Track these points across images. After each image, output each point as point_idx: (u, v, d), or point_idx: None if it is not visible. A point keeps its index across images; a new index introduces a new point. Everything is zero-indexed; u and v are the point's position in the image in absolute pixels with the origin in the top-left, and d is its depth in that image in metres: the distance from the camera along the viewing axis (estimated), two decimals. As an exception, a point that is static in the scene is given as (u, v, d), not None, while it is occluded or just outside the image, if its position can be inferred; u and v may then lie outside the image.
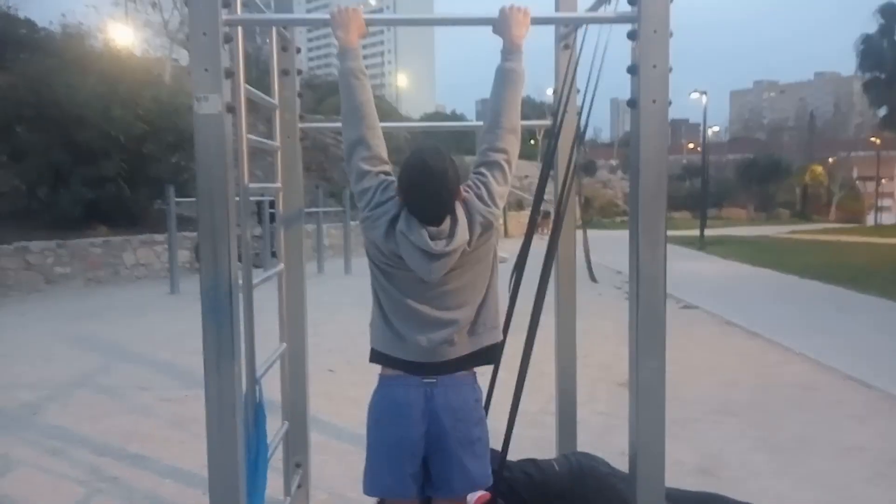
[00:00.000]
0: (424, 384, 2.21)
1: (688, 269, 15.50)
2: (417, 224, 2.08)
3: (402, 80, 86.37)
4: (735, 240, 26.48)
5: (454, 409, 2.22)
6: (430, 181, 2.07)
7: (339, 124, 3.38)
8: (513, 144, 2.23)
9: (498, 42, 2.26)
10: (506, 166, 2.21)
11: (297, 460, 3.41)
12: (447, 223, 2.09)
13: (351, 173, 2.25)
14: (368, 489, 2.32)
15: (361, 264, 14.42)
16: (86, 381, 6.24)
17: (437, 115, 56.89)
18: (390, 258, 2.16)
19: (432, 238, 2.06)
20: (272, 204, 12.17)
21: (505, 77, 2.23)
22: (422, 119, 41.07)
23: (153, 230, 14.05)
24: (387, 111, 32.52)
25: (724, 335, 8.63)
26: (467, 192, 2.17)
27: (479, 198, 2.16)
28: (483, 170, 2.21)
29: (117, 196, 13.66)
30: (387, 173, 2.22)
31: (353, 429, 4.85)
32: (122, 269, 13.34)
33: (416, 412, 2.20)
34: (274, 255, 11.32)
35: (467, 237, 2.11)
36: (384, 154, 2.24)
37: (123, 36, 23.09)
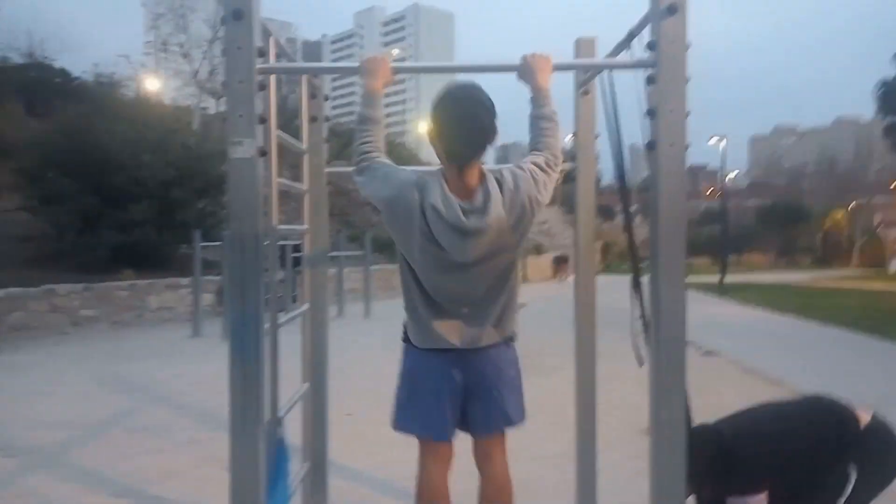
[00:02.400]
0: (459, 354, 2.31)
1: (708, 314, 15.35)
2: (449, 193, 2.08)
3: (423, 128, 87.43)
4: (756, 286, 26.19)
5: (491, 359, 2.34)
6: (469, 103, 2.09)
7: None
8: (557, 164, 2.29)
9: (518, 89, 2.35)
10: (552, 176, 2.25)
11: (316, 502, 3.42)
12: (480, 197, 2.09)
13: (359, 176, 2.28)
14: (401, 425, 2.41)
15: (382, 308, 14.51)
16: (113, 421, 6.29)
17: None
18: (422, 242, 2.14)
19: (465, 213, 2.06)
20: (296, 248, 12.35)
21: (541, 121, 2.31)
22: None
23: (178, 274, 14.25)
24: (407, 157, 32.95)
25: (744, 381, 8.50)
26: (520, 169, 2.18)
27: (534, 177, 2.17)
28: (535, 162, 2.24)
29: (144, 240, 13.92)
30: (392, 164, 2.27)
31: (372, 473, 4.84)
32: (147, 312, 13.50)
33: (452, 365, 2.31)
34: (294, 299, 11.44)
35: (503, 213, 2.09)
36: (386, 160, 2.29)
37: (154, 85, 23.78)
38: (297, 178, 3.28)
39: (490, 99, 2.16)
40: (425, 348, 2.33)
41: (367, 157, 2.27)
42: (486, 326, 2.29)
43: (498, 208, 2.08)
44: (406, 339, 2.43)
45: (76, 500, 4.35)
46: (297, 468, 3.06)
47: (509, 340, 2.43)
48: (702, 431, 2.65)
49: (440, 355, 2.32)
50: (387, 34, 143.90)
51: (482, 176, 2.14)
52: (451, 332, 2.26)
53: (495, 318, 2.31)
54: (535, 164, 2.24)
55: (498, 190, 2.11)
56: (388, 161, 2.27)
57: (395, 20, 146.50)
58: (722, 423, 2.80)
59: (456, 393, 2.31)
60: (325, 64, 2.98)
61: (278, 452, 2.43)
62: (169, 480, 4.67)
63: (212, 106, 28.80)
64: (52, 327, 11.85)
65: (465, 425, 2.40)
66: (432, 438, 2.38)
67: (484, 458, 2.45)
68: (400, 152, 36.53)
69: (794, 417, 2.78)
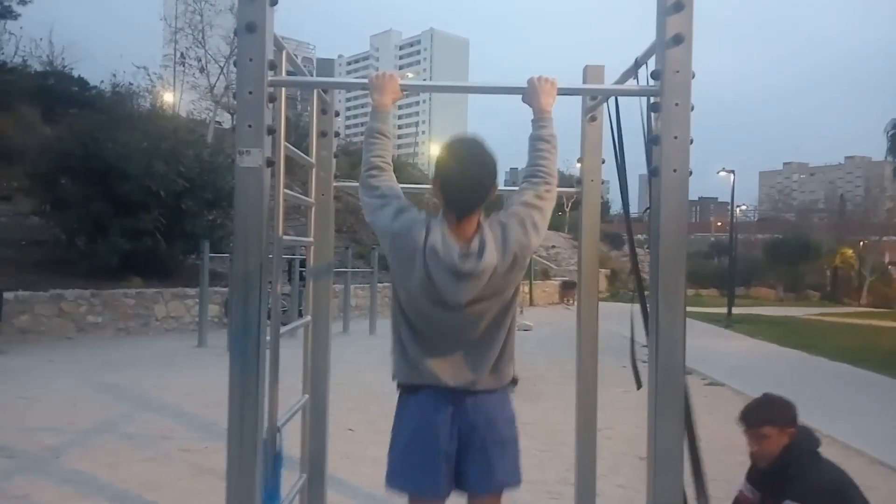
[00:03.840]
0: (454, 399, 2.26)
1: (714, 346, 15.25)
2: (449, 237, 2.11)
3: (434, 150, 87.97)
4: (763, 319, 26.02)
5: (486, 410, 2.27)
6: (470, 162, 2.14)
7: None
8: (551, 191, 2.30)
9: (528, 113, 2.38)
10: (545, 206, 2.26)
11: (312, 515, 3.41)
12: (476, 243, 2.12)
13: (367, 195, 2.28)
14: (394, 483, 2.35)
15: (386, 326, 14.40)
16: (109, 428, 6.30)
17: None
18: (419, 282, 2.16)
19: (461, 257, 2.10)
20: (302, 263, 12.37)
21: (538, 142, 2.33)
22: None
23: (185, 284, 14.32)
24: (419, 178, 33.09)
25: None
26: (510, 218, 2.20)
27: (522, 224, 2.19)
28: (526, 202, 2.25)
29: (153, 249, 13.98)
30: (403, 200, 2.26)
31: (370, 489, 4.81)
32: (153, 320, 13.54)
33: (446, 416, 2.25)
34: (301, 314, 11.44)
35: (495, 259, 2.13)
36: (397, 187, 2.30)
37: (170, 97, 24.05)
38: (307, 194, 3.31)
39: (492, 156, 2.20)
40: (416, 384, 2.28)
41: (377, 177, 2.28)
42: (481, 371, 2.25)
43: (492, 255, 2.13)
44: (398, 385, 2.38)
45: (70, 505, 4.35)
46: (294, 479, 3.06)
47: (508, 388, 2.37)
48: (805, 428, 2.92)
49: (432, 398, 2.26)
50: (401, 57, 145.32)
51: (479, 226, 2.19)
52: (443, 371, 2.23)
53: (491, 362, 2.27)
54: (524, 203, 2.25)
55: (492, 238, 2.15)
56: (397, 188, 2.29)
57: (411, 44, 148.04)
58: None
59: (451, 446, 2.25)
60: (333, 79, 3.03)
61: (274, 461, 2.43)
62: (160, 489, 4.66)
63: (226, 121, 29.08)
64: (57, 332, 11.90)
65: (458, 481, 2.32)
66: (425, 497, 2.32)
67: None
68: (412, 173, 36.66)
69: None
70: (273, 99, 2.28)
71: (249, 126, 2.20)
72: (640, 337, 2.56)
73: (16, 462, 5.18)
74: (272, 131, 2.27)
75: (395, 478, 2.34)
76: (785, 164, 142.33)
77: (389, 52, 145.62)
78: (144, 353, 11.07)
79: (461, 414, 2.25)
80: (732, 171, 29.35)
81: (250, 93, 2.20)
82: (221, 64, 27.11)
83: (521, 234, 2.19)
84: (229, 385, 2.22)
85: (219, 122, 28.13)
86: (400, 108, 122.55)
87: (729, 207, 30.93)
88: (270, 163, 2.25)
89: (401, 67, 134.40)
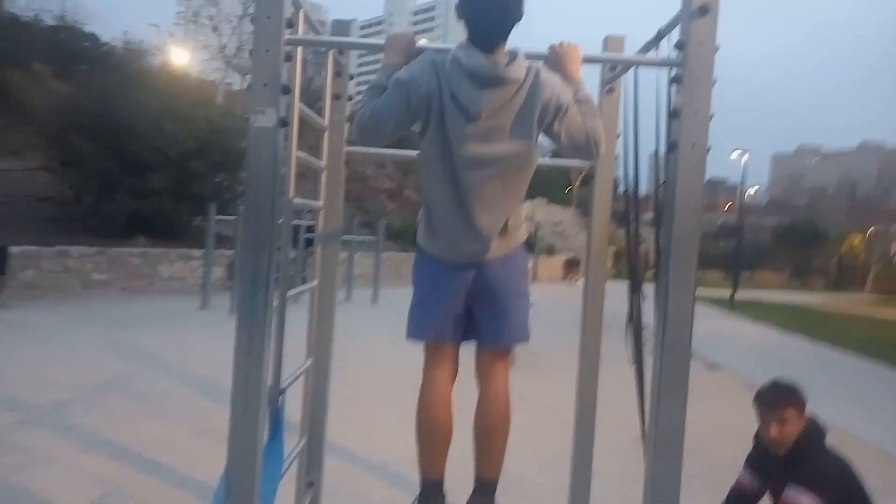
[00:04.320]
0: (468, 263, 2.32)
1: (716, 328, 15.26)
2: (473, 48, 2.08)
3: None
4: (767, 304, 26.02)
5: (500, 266, 2.32)
6: None
7: (383, 150, 3.49)
8: (599, 139, 2.24)
9: None
10: (570, 120, 2.21)
11: (310, 479, 3.42)
12: (505, 57, 2.09)
13: (365, 108, 2.21)
14: (413, 332, 2.42)
15: (390, 295, 14.47)
16: (113, 386, 6.36)
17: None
18: (438, 119, 2.14)
19: (488, 62, 2.06)
20: (309, 229, 12.34)
21: (578, 104, 2.24)
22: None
23: (190, 245, 14.34)
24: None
25: (750, 397, 8.46)
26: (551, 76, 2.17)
27: (561, 84, 2.18)
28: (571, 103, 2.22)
29: (160, 209, 14.00)
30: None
31: (369, 456, 4.86)
32: (157, 280, 13.60)
33: (461, 271, 2.31)
34: (305, 280, 11.45)
35: (522, 74, 2.08)
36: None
37: (181, 56, 23.87)
38: (315, 158, 3.28)
39: None
40: (436, 255, 2.34)
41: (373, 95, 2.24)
42: (493, 235, 2.26)
43: (520, 68, 2.08)
44: (417, 243, 2.44)
45: (71, 459, 4.40)
46: (293, 443, 3.07)
47: (521, 247, 2.40)
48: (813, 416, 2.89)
49: (449, 261, 2.32)
50: (416, 23, 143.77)
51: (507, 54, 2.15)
52: (460, 239, 2.26)
53: (502, 225, 2.28)
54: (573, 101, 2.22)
55: (523, 66, 2.11)
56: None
57: (426, 10, 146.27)
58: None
59: (463, 298, 2.32)
60: (350, 39, 2.96)
61: (276, 422, 2.44)
62: (164, 447, 4.71)
63: (236, 82, 28.90)
64: (63, 288, 11.96)
65: (470, 334, 2.41)
66: (440, 341, 2.39)
67: (485, 373, 2.42)
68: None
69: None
70: (289, 58, 2.24)
71: (265, 85, 2.16)
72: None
73: (21, 415, 5.24)
74: (287, 91, 2.23)
75: (414, 328, 2.42)
76: (798, 147, 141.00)
77: (404, 17, 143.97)
78: (149, 313, 11.14)
79: (476, 271, 2.31)
80: (746, 151, 29.10)
81: (267, 51, 2.16)
82: (234, 24, 26.88)
83: (559, 84, 2.17)
84: (235, 346, 2.21)
85: (229, 84, 27.97)
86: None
87: (739, 189, 30.71)
88: (284, 123, 2.22)
89: (415, 33, 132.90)
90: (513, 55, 2.12)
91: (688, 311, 2.18)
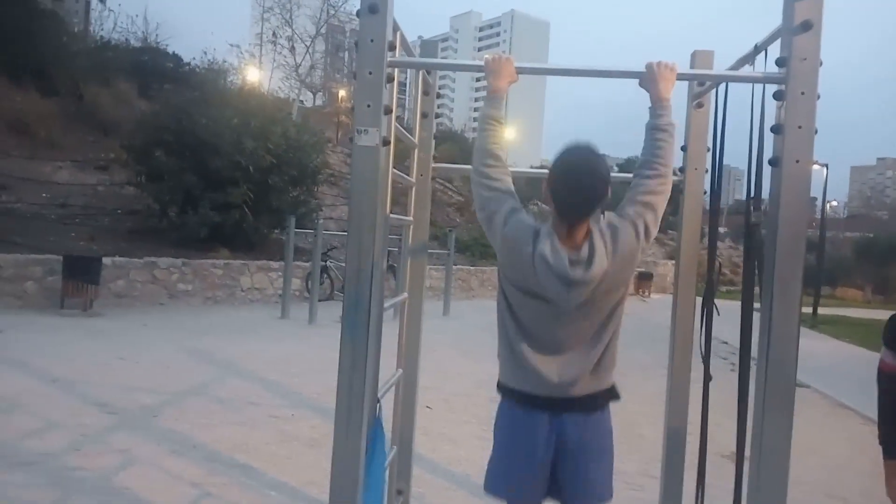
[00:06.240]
0: (552, 407, 2.27)
1: (800, 345, 14.71)
2: (559, 245, 2.11)
3: (509, 133, 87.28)
4: (849, 320, 24.92)
5: (584, 421, 2.28)
6: (583, 172, 2.11)
7: (462, 166, 3.55)
8: (665, 183, 2.25)
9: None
10: (658, 203, 2.23)
11: (399, 487, 3.50)
12: (586, 249, 2.12)
13: (481, 188, 2.28)
14: (491, 487, 2.38)
15: (460, 307, 14.50)
16: (201, 391, 6.61)
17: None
18: (526, 283, 2.18)
19: (571, 264, 2.10)
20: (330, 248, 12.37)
21: (655, 132, 2.27)
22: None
23: (269, 257, 14.78)
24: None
25: (835, 417, 8.17)
26: (622, 220, 2.19)
27: (634, 227, 2.18)
28: (640, 200, 2.22)
29: (240, 222, 14.44)
30: (515, 199, 2.27)
31: (448, 466, 4.91)
32: (238, 291, 14.04)
33: (543, 424, 2.26)
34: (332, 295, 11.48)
35: (605, 266, 2.12)
36: (510, 181, 2.30)
37: (259, 75, 24.69)
38: (408, 172, 3.37)
39: (605, 164, 2.18)
40: (519, 391, 2.30)
41: (493, 167, 2.28)
42: (584, 371, 2.25)
43: (602, 262, 2.12)
44: (500, 389, 2.41)
45: (166, 462, 4.60)
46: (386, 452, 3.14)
47: (608, 399, 2.36)
48: None
49: (530, 406, 2.28)
50: (481, 39, 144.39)
51: (589, 231, 2.18)
52: (548, 368, 2.23)
53: (594, 363, 2.26)
54: (638, 203, 2.22)
55: (602, 244, 2.14)
56: (510, 182, 2.30)
57: (490, 26, 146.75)
58: None
59: (547, 455, 2.28)
60: (452, 61, 3.05)
61: (375, 432, 2.51)
62: (250, 452, 4.87)
63: (308, 100, 29.68)
64: (150, 297, 12.49)
65: (553, 490, 2.35)
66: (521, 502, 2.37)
67: None
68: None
69: None
70: (391, 79, 2.32)
71: (368, 105, 2.25)
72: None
73: (118, 418, 5.51)
74: (389, 111, 2.31)
75: (493, 482, 2.37)
76: (879, 159, 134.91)
77: (469, 33, 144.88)
78: (231, 322, 11.51)
79: (559, 423, 2.26)
80: (826, 165, 28.07)
81: (370, 73, 2.25)
82: (307, 43, 27.65)
83: (633, 238, 2.17)
84: (340, 356, 2.30)
85: (301, 102, 28.75)
86: (477, 90, 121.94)
87: (819, 202, 29.55)
88: (386, 142, 2.30)
89: (480, 49, 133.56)
90: (591, 249, 2.13)
91: (793, 328, 2.16)
